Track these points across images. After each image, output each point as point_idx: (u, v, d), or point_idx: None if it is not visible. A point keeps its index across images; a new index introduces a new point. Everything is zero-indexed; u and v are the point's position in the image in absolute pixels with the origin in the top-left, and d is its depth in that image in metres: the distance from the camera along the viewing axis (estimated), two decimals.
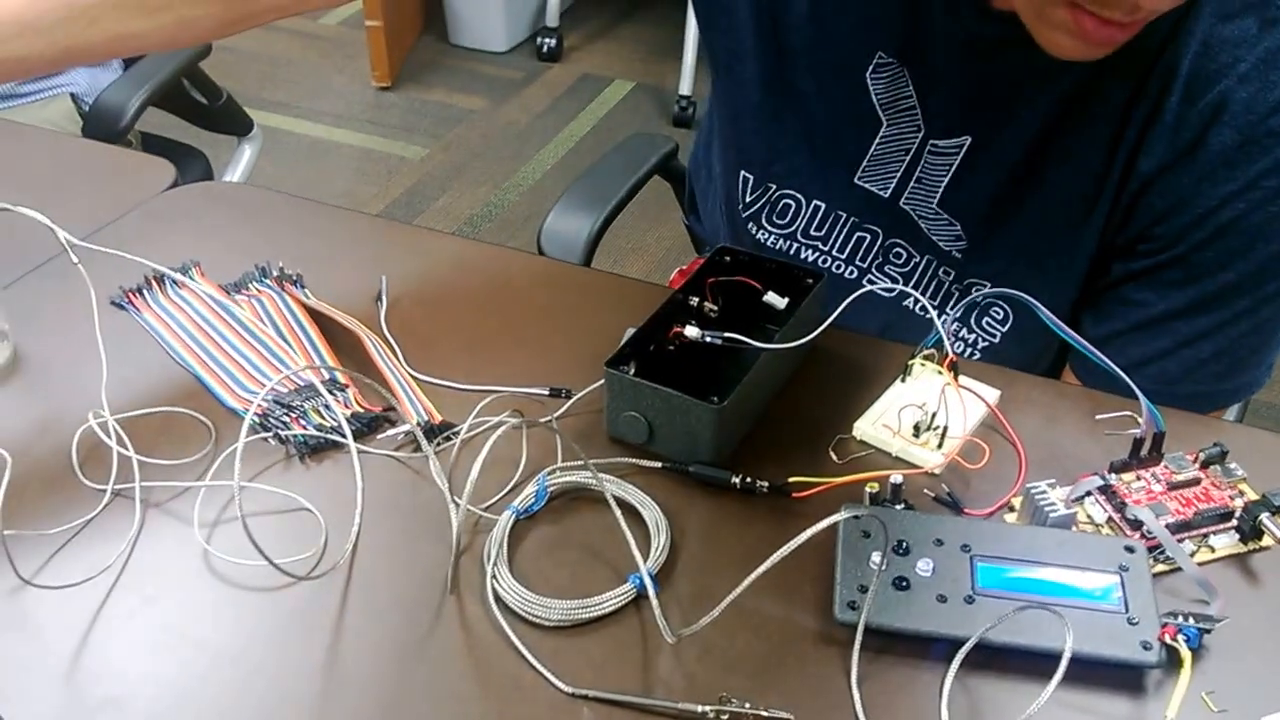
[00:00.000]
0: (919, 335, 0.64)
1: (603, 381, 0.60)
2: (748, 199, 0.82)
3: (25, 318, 0.69)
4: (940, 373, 0.63)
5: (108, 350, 0.60)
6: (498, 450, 0.53)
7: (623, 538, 0.51)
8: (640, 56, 2.73)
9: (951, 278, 0.77)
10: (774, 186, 0.81)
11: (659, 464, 0.59)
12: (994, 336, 0.77)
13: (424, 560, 0.54)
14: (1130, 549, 0.52)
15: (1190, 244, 0.67)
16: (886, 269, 0.79)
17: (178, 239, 0.77)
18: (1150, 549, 0.53)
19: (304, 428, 0.61)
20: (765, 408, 0.63)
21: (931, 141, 0.73)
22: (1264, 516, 0.54)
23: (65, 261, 0.58)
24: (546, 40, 2.69)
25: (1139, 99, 0.65)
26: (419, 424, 0.61)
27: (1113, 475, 0.58)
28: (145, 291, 0.72)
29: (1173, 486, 0.57)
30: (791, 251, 0.81)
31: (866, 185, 0.77)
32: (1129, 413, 0.59)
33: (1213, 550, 0.55)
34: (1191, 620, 0.49)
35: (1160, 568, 0.54)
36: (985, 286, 0.75)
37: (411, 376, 0.65)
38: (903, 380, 0.64)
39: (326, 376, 0.65)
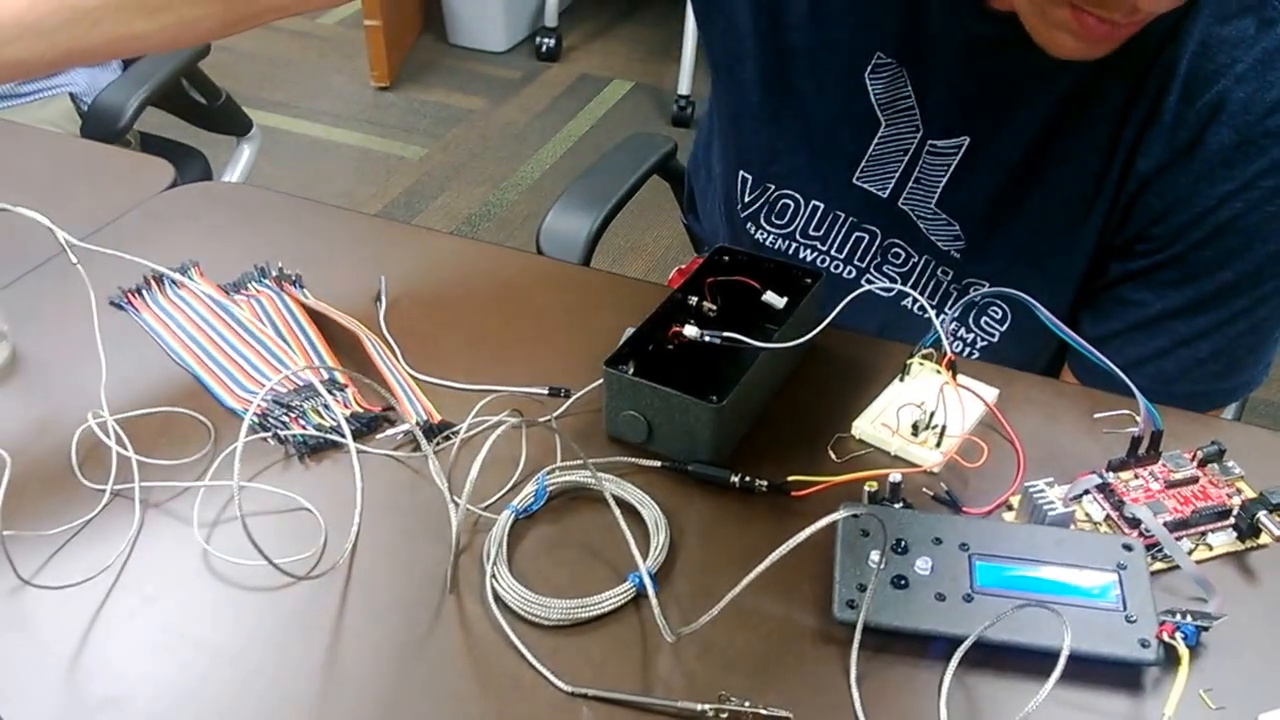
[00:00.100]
0: (917, 335, 0.64)
1: (602, 381, 0.60)
2: (746, 199, 0.82)
3: (24, 318, 0.69)
4: (939, 372, 0.63)
5: (107, 350, 0.60)
6: (497, 450, 0.53)
7: (622, 537, 0.51)
8: (639, 56, 2.73)
9: (950, 277, 0.77)
10: (773, 186, 0.81)
11: (658, 463, 0.59)
12: (993, 336, 0.77)
13: (423, 560, 0.54)
14: (1128, 547, 0.53)
15: (1188, 244, 0.67)
16: (885, 269, 0.79)
17: (177, 239, 0.77)
18: (1148, 547, 0.53)
19: (303, 428, 0.61)
20: (764, 407, 0.63)
21: (930, 142, 0.73)
22: (1261, 514, 0.55)
23: (64, 262, 0.58)
24: (545, 40, 2.69)
25: (1137, 99, 0.65)
26: (418, 424, 0.61)
27: (1111, 474, 0.58)
28: (144, 292, 0.72)
29: (1171, 485, 0.57)
30: (790, 251, 0.82)
31: (865, 185, 0.77)
32: (1127, 411, 0.59)
33: (1210, 548, 0.55)
34: (1189, 618, 0.49)
35: (1158, 566, 0.54)
36: (984, 286, 0.75)
37: (411, 376, 0.65)
38: (901, 379, 0.64)
39: (326, 376, 0.65)
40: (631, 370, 0.59)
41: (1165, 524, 0.55)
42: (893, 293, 0.79)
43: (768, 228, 0.82)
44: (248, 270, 0.73)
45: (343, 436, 0.58)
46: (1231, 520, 0.56)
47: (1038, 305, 0.59)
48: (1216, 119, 0.63)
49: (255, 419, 0.61)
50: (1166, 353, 0.71)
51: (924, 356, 0.64)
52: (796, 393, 0.64)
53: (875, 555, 0.52)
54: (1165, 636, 0.49)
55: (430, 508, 0.57)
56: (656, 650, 0.50)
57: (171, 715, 0.48)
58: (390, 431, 0.61)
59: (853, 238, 0.79)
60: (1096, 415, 0.61)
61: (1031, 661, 0.48)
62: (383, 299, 0.71)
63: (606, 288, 0.75)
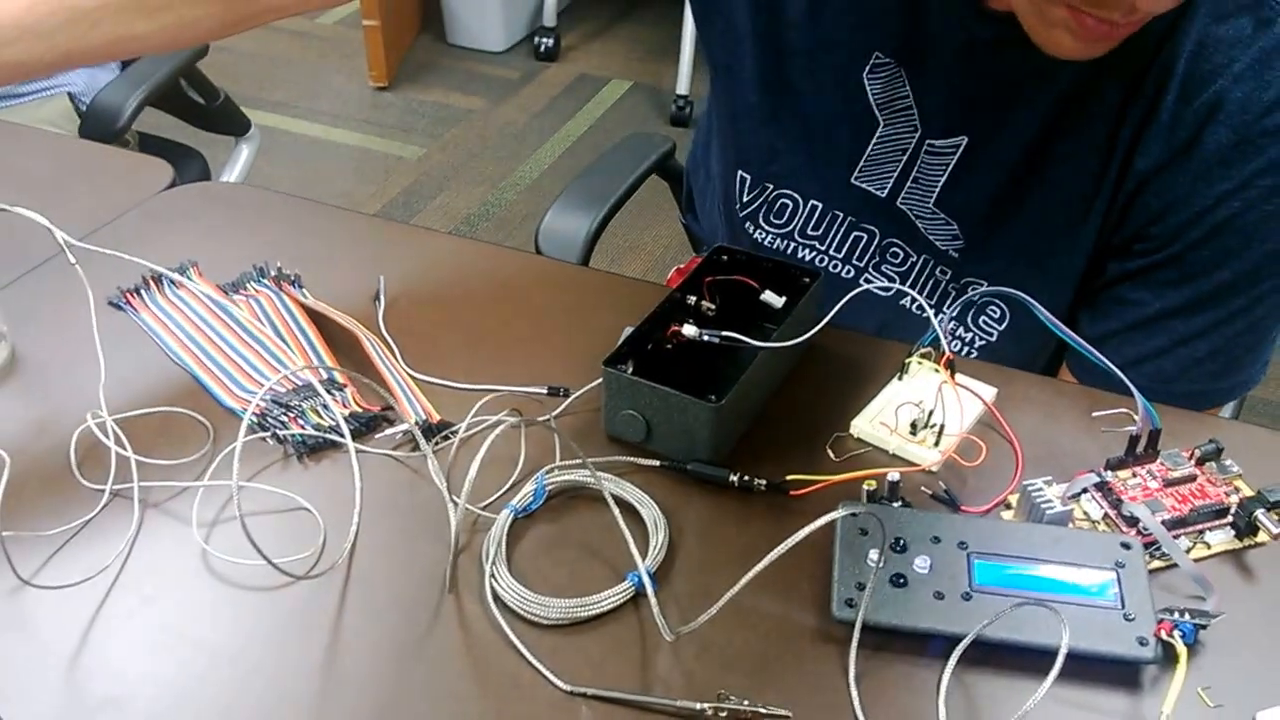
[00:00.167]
0: (916, 334, 0.64)
1: (601, 380, 0.60)
2: (745, 199, 0.82)
3: (23, 318, 0.69)
4: (937, 371, 0.63)
5: (105, 350, 0.60)
6: (496, 449, 0.53)
7: (621, 536, 0.51)
8: (637, 56, 2.73)
9: (948, 277, 0.77)
10: (771, 186, 0.81)
11: (657, 462, 0.59)
12: (991, 335, 0.77)
13: (422, 559, 0.54)
14: (1126, 545, 0.53)
15: (1186, 243, 0.67)
16: (883, 268, 0.79)
17: (175, 239, 0.77)
18: (1146, 545, 0.53)
19: (302, 427, 0.61)
20: (763, 406, 0.63)
21: (928, 141, 0.73)
22: (1259, 512, 0.55)
23: (63, 262, 0.58)
24: (544, 40, 2.69)
25: (1135, 99, 0.66)
26: (417, 423, 0.61)
27: (1109, 472, 0.58)
28: (143, 292, 0.72)
29: (1169, 483, 0.57)
30: (789, 251, 0.82)
31: (863, 185, 0.77)
32: (1125, 410, 0.59)
33: (1208, 546, 0.55)
34: (1187, 616, 0.49)
35: (1156, 564, 0.54)
36: (982, 286, 0.75)
37: (409, 376, 0.65)
38: (900, 378, 0.64)
39: (324, 376, 0.65)
40: (630, 370, 0.59)
41: (1163, 522, 0.55)
42: (891, 292, 0.79)
43: (766, 227, 0.82)
44: (246, 270, 0.73)
45: (342, 436, 0.58)
46: (1229, 518, 0.56)
47: (1036, 305, 0.59)
48: (1214, 118, 0.63)
49: (254, 419, 0.61)
50: (1165, 352, 0.71)
51: (922, 355, 0.64)
52: (795, 392, 0.64)
53: (874, 554, 0.52)
54: (1163, 634, 0.49)
55: (429, 507, 0.57)
56: (655, 649, 0.50)
57: (171, 715, 0.48)
58: (389, 431, 0.61)
59: (851, 237, 0.79)
60: (1094, 414, 0.61)
61: (1030, 660, 0.48)
62: (381, 299, 0.71)
63: (605, 287, 0.76)
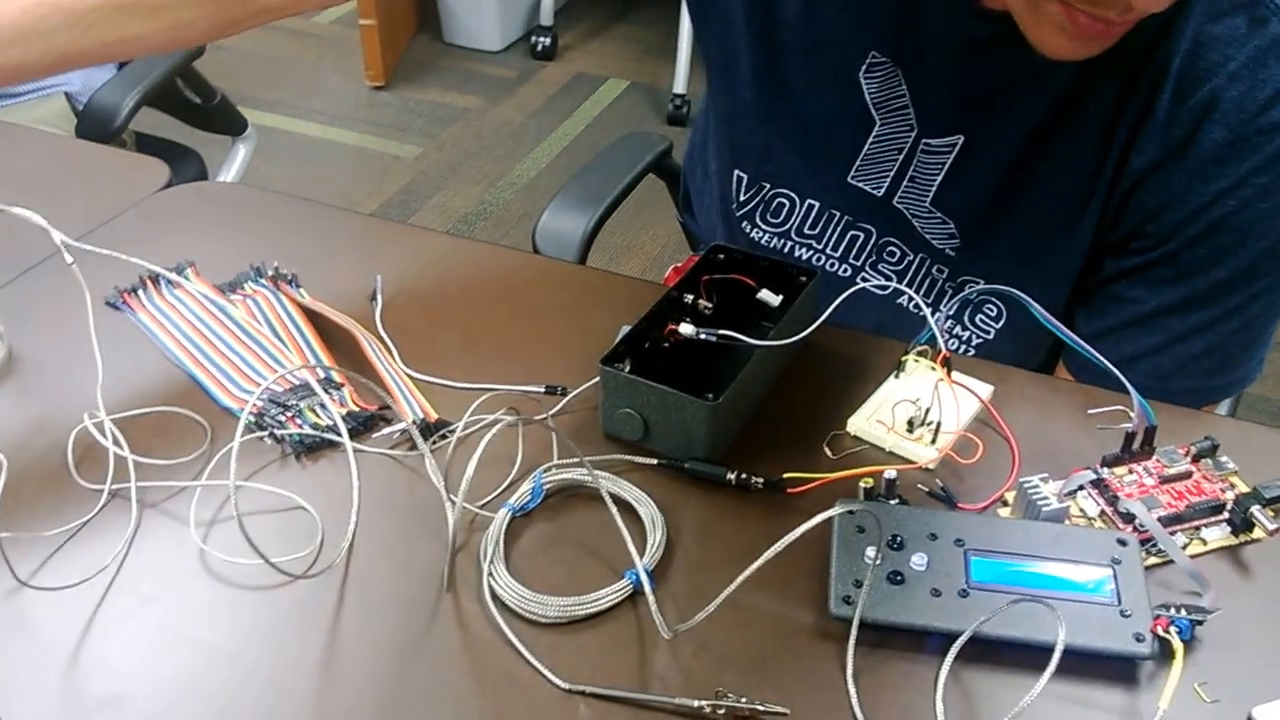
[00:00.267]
0: (913, 333, 0.65)
1: (598, 379, 0.60)
2: (742, 198, 0.82)
3: (20, 318, 0.69)
4: (933, 369, 0.63)
5: (103, 350, 0.60)
6: (493, 448, 0.53)
7: (619, 534, 0.52)
8: (635, 55, 2.73)
9: (945, 276, 0.77)
10: (768, 185, 0.81)
11: (654, 461, 0.59)
12: (988, 333, 0.77)
13: (420, 558, 0.54)
14: (1123, 542, 0.53)
15: (1182, 241, 0.67)
16: (880, 267, 0.79)
17: (172, 239, 0.77)
18: (1142, 542, 0.54)
19: (300, 427, 0.61)
20: (760, 404, 0.63)
21: (924, 141, 0.74)
22: (1255, 509, 0.55)
23: (60, 262, 0.58)
24: (541, 39, 2.69)
25: (1130, 97, 0.66)
26: (415, 422, 0.61)
27: (1105, 469, 0.58)
28: (140, 292, 0.72)
29: (1164, 480, 0.57)
30: (786, 250, 0.82)
31: (860, 184, 0.77)
32: (1121, 407, 0.60)
33: (1204, 543, 0.55)
34: (1184, 612, 0.50)
35: (1152, 560, 0.54)
36: (979, 284, 0.75)
37: (407, 375, 0.65)
38: (896, 376, 0.64)
39: (322, 375, 0.65)
40: (627, 368, 0.59)
41: (1159, 519, 0.55)
42: (888, 290, 0.79)
43: (763, 226, 0.82)
44: (243, 270, 0.73)
45: (339, 435, 0.58)
46: (1225, 515, 0.56)
47: (1033, 303, 0.60)
48: (1209, 117, 0.64)
49: (251, 418, 0.61)
50: (1161, 349, 0.71)
51: (919, 353, 0.64)
52: (792, 390, 0.65)
53: (871, 551, 0.52)
54: (1160, 631, 0.49)
55: (427, 506, 0.57)
56: (653, 647, 0.50)
57: (169, 714, 0.48)
58: (386, 430, 0.62)
59: (848, 236, 0.80)
60: (1091, 411, 0.61)
61: (1027, 656, 0.48)
62: (379, 298, 0.71)
63: (602, 286, 0.76)
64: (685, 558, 0.55)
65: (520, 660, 0.50)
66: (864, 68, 0.73)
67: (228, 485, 0.55)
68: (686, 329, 0.61)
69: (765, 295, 0.66)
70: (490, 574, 0.53)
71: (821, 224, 0.80)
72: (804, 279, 0.66)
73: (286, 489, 0.58)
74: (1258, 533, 0.56)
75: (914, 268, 0.78)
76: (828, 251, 0.80)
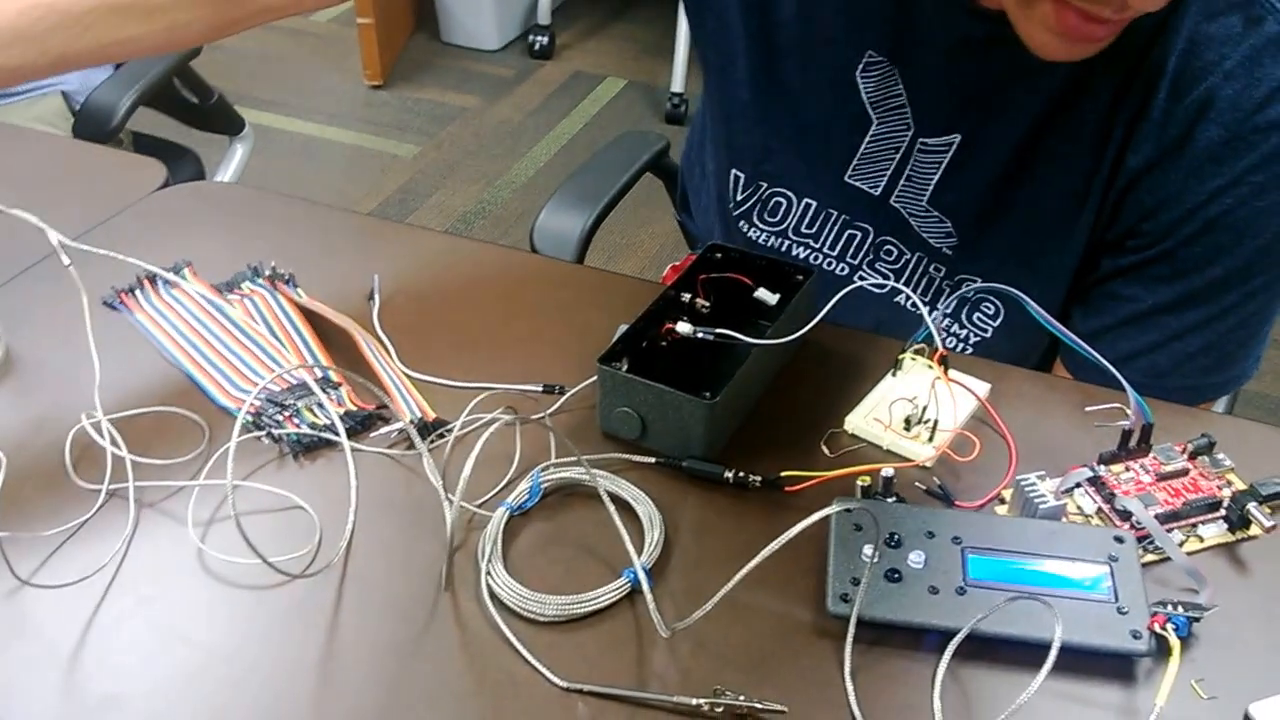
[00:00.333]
0: (911, 331, 0.65)
1: (595, 378, 0.60)
2: (739, 197, 0.82)
3: (17, 319, 0.69)
4: (930, 367, 0.63)
5: (100, 350, 0.60)
6: (491, 447, 0.53)
7: (616, 533, 0.52)
8: (632, 54, 2.73)
9: (942, 274, 0.77)
10: (765, 185, 0.81)
11: (652, 459, 0.59)
12: (985, 331, 0.77)
13: (418, 557, 0.54)
14: (1119, 539, 0.53)
15: (1178, 239, 0.68)
16: (877, 266, 0.80)
17: (169, 239, 0.77)
18: (1139, 539, 0.54)
19: (297, 426, 0.61)
20: (757, 403, 0.63)
21: (921, 140, 0.74)
22: (1251, 506, 0.55)
23: (57, 262, 0.58)
24: (538, 38, 2.69)
25: (1126, 96, 0.66)
26: (412, 421, 0.61)
27: (1102, 467, 0.58)
28: (137, 292, 0.72)
29: (1161, 477, 0.58)
30: (783, 249, 0.82)
31: (857, 183, 0.77)
32: (1118, 405, 0.60)
33: (1201, 540, 0.56)
34: (1180, 609, 0.50)
35: (1149, 557, 0.54)
36: (976, 283, 0.75)
37: (404, 374, 0.65)
38: (893, 374, 0.64)
39: (319, 375, 0.65)
40: (625, 367, 0.59)
41: (1156, 516, 0.55)
42: (885, 289, 0.79)
43: (760, 226, 0.82)
44: (241, 270, 0.73)
45: (337, 435, 0.58)
46: (1222, 512, 0.56)
47: (1029, 301, 0.60)
48: (1205, 116, 0.64)
49: (249, 418, 0.61)
50: (1158, 347, 0.71)
51: (916, 352, 0.64)
52: (790, 389, 0.65)
53: (868, 549, 0.52)
54: (1157, 628, 0.49)
55: (425, 505, 0.57)
56: (652, 645, 0.50)
57: (168, 713, 0.48)
58: (384, 430, 0.62)
59: (845, 235, 0.80)
60: (1087, 409, 0.61)
61: (1024, 653, 0.48)
62: (376, 297, 0.71)
63: (600, 285, 0.76)
64: (683, 556, 0.55)
65: (518, 659, 0.50)
66: (861, 67, 0.73)
67: (225, 485, 0.55)
68: (684, 328, 0.61)
69: (762, 294, 0.66)
70: (488, 573, 0.53)
71: (819, 223, 0.80)
72: (801, 278, 0.66)
73: (284, 488, 0.58)
74: (1254, 530, 0.56)
75: (911, 267, 0.78)
76: (825, 251, 0.81)
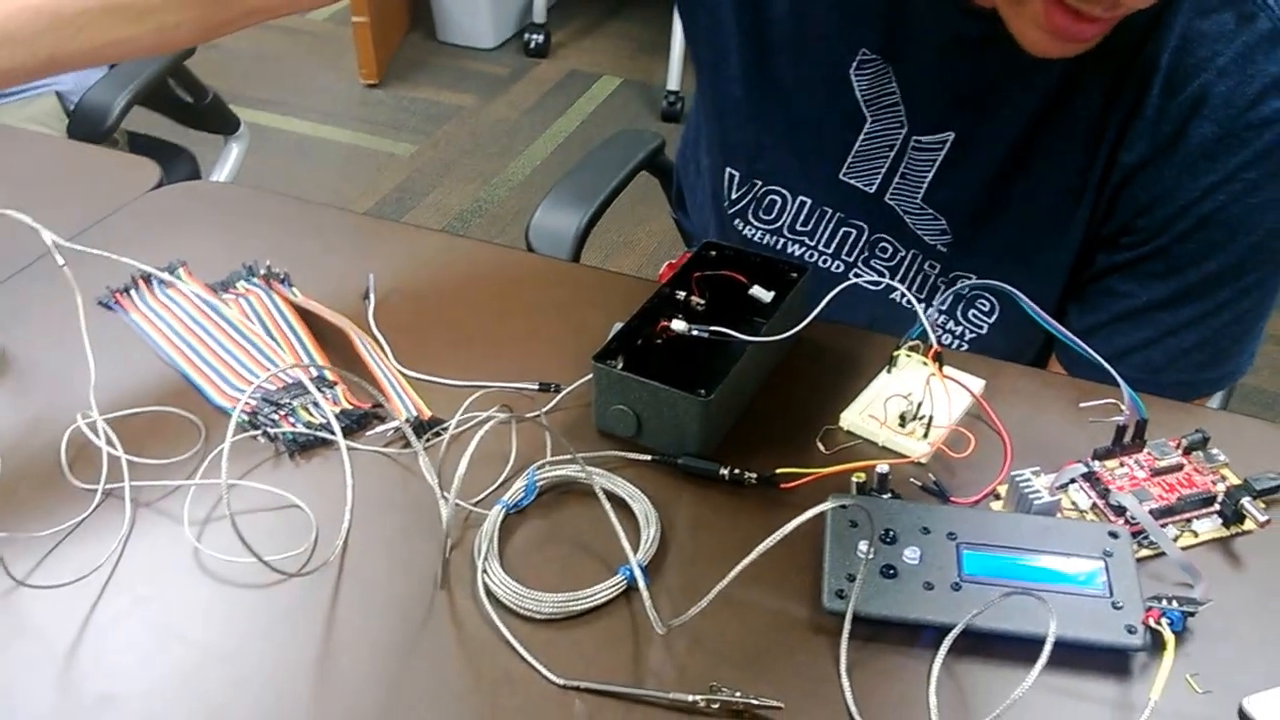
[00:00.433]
0: (906, 328, 0.65)
1: (591, 376, 0.60)
2: (733, 195, 0.82)
3: (12, 319, 0.69)
4: (925, 363, 0.63)
5: (95, 351, 0.60)
6: (487, 445, 0.53)
7: (612, 530, 0.52)
8: (628, 52, 2.72)
9: (937, 272, 0.78)
10: (759, 183, 0.81)
11: (648, 457, 0.59)
12: (981, 328, 0.77)
13: (415, 556, 0.54)
14: (1114, 534, 0.53)
15: (1172, 235, 0.68)
16: (873, 263, 0.80)
17: (164, 239, 0.77)
18: (1134, 534, 0.54)
19: (293, 425, 0.61)
20: (753, 400, 0.63)
21: (915, 137, 0.74)
22: (1246, 501, 0.55)
23: (51, 263, 0.58)
24: (534, 36, 2.69)
25: (1119, 93, 0.66)
26: (408, 420, 0.61)
27: (1096, 462, 0.58)
28: (133, 291, 0.72)
29: (1156, 473, 0.58)
30: (778, 247, 0.82)
31: (852, 181, 0.77)
32: (1112, 400, 0.60)
33: (1196, 535, 0.56)
34: (1175, 604, 0.50)
35: (1144, 552, 0.54)
36: (971, 280, 0.76)
37: (400, 373, 0.66)
38: (889, 371, 0.64)
39: (315, 374, 0.65)
40: (620, 365, 0.59)
41: (1151, 511, 0.55)
42: (880, 286, 0.79)
43: (755, 223, 0.82)
44: (236, 269, 0.73)
45: (333, 434, 0.58)
46: (1216, 507, 0.56)
47: (1023, 298, 0.60)
48: (1198, 113, 0.64)
49: (245, 416, 0.61)
50: (1153, 343, 0.71)
51: (911, 348, 0.64)
52: (785, 386, 0.65)
53: (864, 545, 0.52)
54: (1151, 622, 0.49)
55: (421, 504, 0.57)
56: (648, 642, 0.51)
57: (165, 712, 0.48)
58: (380, 428, 0.62)
59: (840, 233, 0.80)
60: (1082, 405, 0.62)
61: (1019, 648, 0.48)
62: (371, 296, 0.71)
63: (595, 283, 0.76)
64: (679, 553, 0.55)
65: (515, 656, 0.50)
66: (854, 65, 0.73)
67: (221, 484, 0.55)
68: (679, 325, 0.61)
69: (757, 291, 0.66)
70: (485, 571, 0.53)
71: (814, 221, 0.80)
72: (795, 275, 0.66)
73: (280, 487, 0.58)
74: (1249, 524, 0.56)
75: (906, 264, 0.78)
76: (820, 248, 0.81)
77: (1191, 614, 0.50)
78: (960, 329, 0.78)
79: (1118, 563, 0.52)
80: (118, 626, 0.51)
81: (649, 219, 2.10)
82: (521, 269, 0.77)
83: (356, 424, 0.62)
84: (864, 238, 0.79)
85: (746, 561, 0.47)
